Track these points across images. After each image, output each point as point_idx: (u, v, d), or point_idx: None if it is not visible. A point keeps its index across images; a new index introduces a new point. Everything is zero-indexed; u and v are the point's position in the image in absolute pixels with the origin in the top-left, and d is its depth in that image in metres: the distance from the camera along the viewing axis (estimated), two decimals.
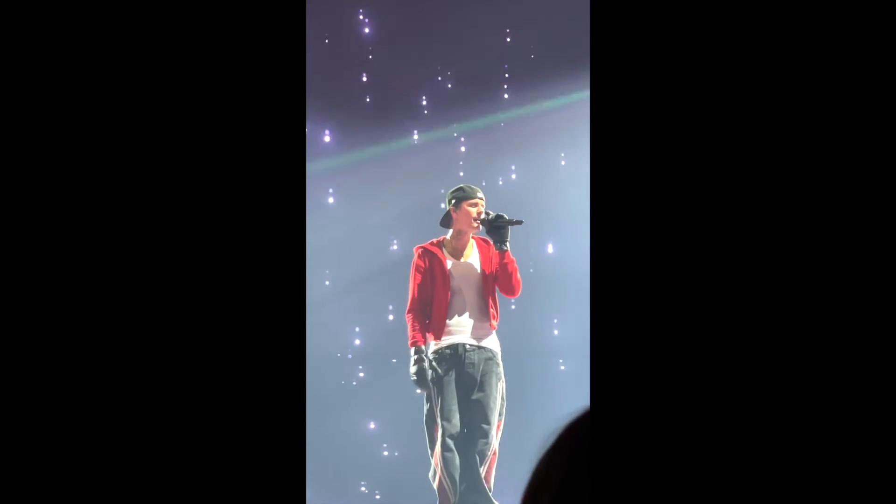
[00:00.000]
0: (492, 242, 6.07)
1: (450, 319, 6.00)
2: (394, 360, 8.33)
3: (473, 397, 5.92)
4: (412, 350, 5.96)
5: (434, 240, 6.15)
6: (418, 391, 6.00)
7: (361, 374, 8.64)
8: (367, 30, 8.69)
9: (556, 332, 8.72)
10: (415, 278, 6.04)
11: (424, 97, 8.71)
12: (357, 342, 8.67)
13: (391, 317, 8.53)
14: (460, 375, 5.93)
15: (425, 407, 5.97)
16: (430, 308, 6.01)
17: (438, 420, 5.87)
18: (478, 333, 5.99)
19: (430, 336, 6.00)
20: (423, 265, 6.05)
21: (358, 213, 8.53)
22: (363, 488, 8.48)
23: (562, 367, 8.65)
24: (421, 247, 6.11)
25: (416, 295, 6.01)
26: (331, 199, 8.64)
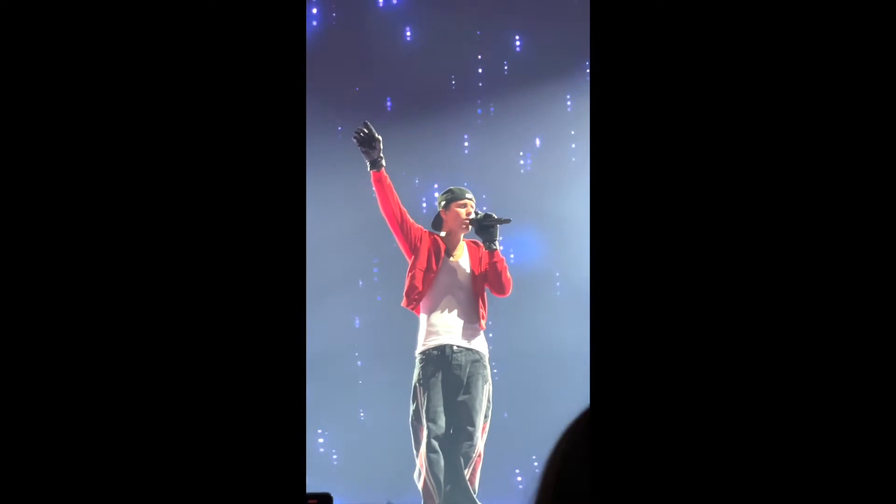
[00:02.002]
0: (481, 242, 6.06)
1: (438, 319, 5.98)
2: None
3: (459, 399, 5.89)
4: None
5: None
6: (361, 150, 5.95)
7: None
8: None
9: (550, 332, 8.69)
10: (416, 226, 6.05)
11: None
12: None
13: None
14: (446, 377, 5.90)
15: (411, 407, 5.95)
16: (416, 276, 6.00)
17: (424, 421, 5.84)
18: (467, 334, 5.97)
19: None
20: (427, 232, 6.07)
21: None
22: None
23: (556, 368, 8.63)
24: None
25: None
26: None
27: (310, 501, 3.05)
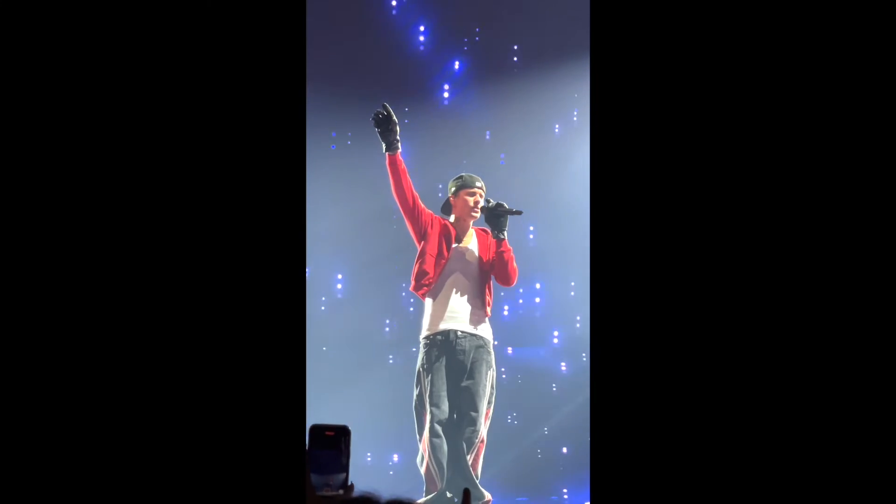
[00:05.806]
0: (490, 230, 6.09)
1: (444, 305, 6.00)
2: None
3: (463, 384, 5.91)
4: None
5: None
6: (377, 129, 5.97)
7: None
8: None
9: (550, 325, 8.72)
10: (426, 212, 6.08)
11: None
12: None
13: None
14: (450, 362, 5.92)
15: (414, 392, 5.97)
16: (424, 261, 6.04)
17: (427, 406, 5.86)
18: (472, 320, 5.99)
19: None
20: (437, 217, 6.09)
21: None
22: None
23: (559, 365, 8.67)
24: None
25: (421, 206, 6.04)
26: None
27: (326, 433, 2.95)
